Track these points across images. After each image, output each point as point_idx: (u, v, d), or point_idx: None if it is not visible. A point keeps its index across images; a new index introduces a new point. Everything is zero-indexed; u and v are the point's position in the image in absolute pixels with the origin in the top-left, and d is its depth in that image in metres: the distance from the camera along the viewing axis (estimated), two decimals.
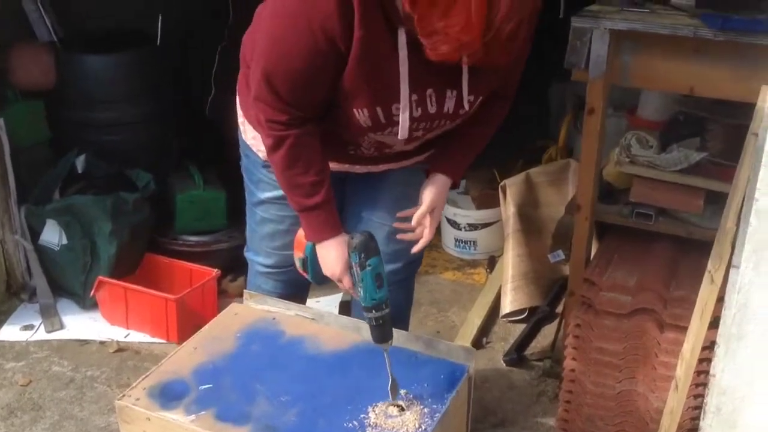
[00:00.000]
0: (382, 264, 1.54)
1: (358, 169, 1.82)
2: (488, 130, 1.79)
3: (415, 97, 1.56)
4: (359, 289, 1.55)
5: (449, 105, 1.61)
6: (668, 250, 2.24)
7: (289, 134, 1.58)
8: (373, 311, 1.54)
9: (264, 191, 1.90)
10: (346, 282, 1.65)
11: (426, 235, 1.72)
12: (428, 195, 1.71)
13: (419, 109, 1.59)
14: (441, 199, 1.74)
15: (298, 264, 1.78)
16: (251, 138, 1.85)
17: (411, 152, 1.78)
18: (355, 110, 1.57)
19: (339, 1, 1.42)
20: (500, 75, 1.62)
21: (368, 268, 1.52)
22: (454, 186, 1.79)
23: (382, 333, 1.56)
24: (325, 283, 1.80)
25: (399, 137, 1.60)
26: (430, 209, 1.71)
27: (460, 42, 1.32)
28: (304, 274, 1.79)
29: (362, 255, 1.51)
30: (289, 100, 1.55)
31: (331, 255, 1.66)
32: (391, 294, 1.96)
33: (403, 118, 1.56)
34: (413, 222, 1.72)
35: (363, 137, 1.66)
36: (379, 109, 1.57)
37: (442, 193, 1.73)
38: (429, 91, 1.57)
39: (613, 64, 2.07)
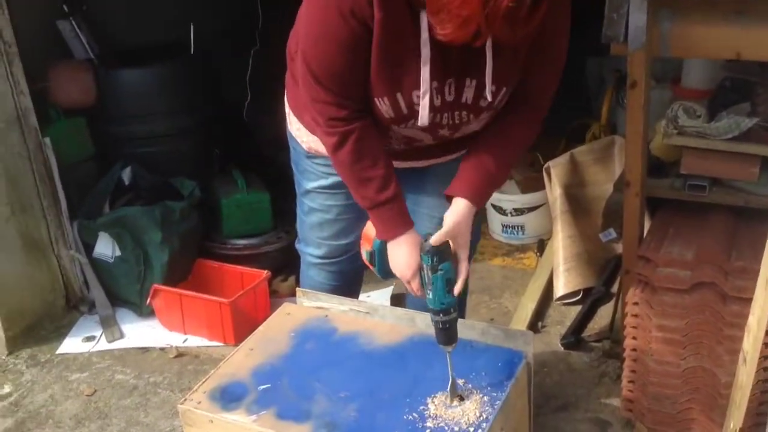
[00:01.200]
0: (453, 269, 1.52)
1: (400, 164, 1.80)
2: (513, 146, 1.67)
3: (435, 84, 1.53)
4: (428, 291, 1.53)
5: (468, 95, 1.57)
6: (725, 220, 2.18)
7: (352, 128, 1.57)
8: (441, 314, 1.52)
9: (310, 181, 1.91)
10: (415, 285, 1.59)
11: (462, 271, 1.57)
12: (448, 218, 1.58)
13: (439, 97, 1.56)
14: (464, 225, 1.59)
15: (365, 256, 1.73)
16: (296, 129, 1.87)
17: (447, 147, 1.75)
18: (376, 100, 1.56)
19: None
20: (523, 65, 1.56)
21: (440, 272, 1.50)
22: (478, 209, 1.65)
23: (447, 336, 1.54)
24: (390, 278, 1.75)
25: (419, 124, 1.57)
26: (451, 235, 1.56)
27: (461, 17, 1.29)
28: (371, 267, 1.74)
29: (435, 259, 1.50)
30: (336, 90, 1.54)
31: (403, 255, 1.60)
32: None
33: (423, 104, 1.53)
34: (460, 284, 1.58)
35: (389, 131, 1.65)
36: (399, 96, 1.55)
37: (465, 219, 1.59)
38: (449, 80, 1.55)
39: (653, 34, 2.01)
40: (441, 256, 1.50)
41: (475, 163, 1.64)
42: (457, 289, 1.54)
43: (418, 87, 1.52)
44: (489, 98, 1.55)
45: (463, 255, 1.58)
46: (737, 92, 2.34)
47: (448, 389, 1.53)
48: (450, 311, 1.52)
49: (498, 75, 1.52)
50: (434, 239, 1.51)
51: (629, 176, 2.19)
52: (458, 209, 1.60)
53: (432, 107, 1.55)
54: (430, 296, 1.53)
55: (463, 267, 1.57)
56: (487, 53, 1.48)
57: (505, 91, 1.59)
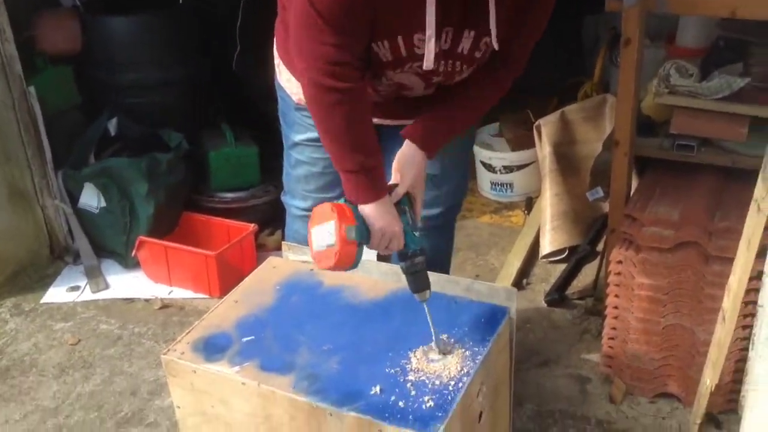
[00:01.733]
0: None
1: (389, 122, 1.78)
2: (480, 108, 1.69)
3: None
4: (416, 233, 1.56)
5: (465, 45, 1.56)
6: (711, 181, 2.18)
7: (352, 87, 1.49)
8: (418, 256, 1.54)
9: (298, 133, 1.89)
10: (400, 237, 1.55)
11: (419, 212, 1.62)
12: (407, 168, 1.58)
13: (436, 43, 1.53)
14: (419, 169, 1.60)
15: (352, 235, 1.48)
16: (285, 80, 1.84)
17: (431, 103, 1.73)
18: (375, 45, 1.52)
19: None
20: (521, 19, 1.55)
21: (408, 215, 1.55)
22: (429, 157, 1.64)
23: (421, 280, 1.55)
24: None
25: (425, 68, 1.54)
26: (415, 184, 1.59)
27: None
28: (353, 251, 1.50)
29: (407, 203, 1.55)
30: (345, 28, 1.45)
31: (390, 211, 1.55)
32: (431, 240, 1.94)
33: (429, 48, 1.50)
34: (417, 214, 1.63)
35: (381, 76, 1.62)
36: (400, 39, 1.51)
37: (419, 165, 1.60)
38: (447, 29, 1.53)
39: None
40: (409, 199, 1.56)
41: (439, 113, 1.64)
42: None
43: (419, 30, 1.49)
44: (495, 47, 1.53)
45: (420, 197, 1.63)
46: (731, 52, 2.32)
47: (433, 338, 1.54)
48: (422, 252, 1.55)
49: (501, 26, 1.51)
50: (401, 189, 1.56)
51: (618, 135, 2.18)
52: (410, 154, 1.61)
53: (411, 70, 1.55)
54: (417, 236, 1.56)
55: (419, 206, 1.62)
56: (490, 3, 1.47)
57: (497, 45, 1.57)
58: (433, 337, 1.54)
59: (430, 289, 1.56)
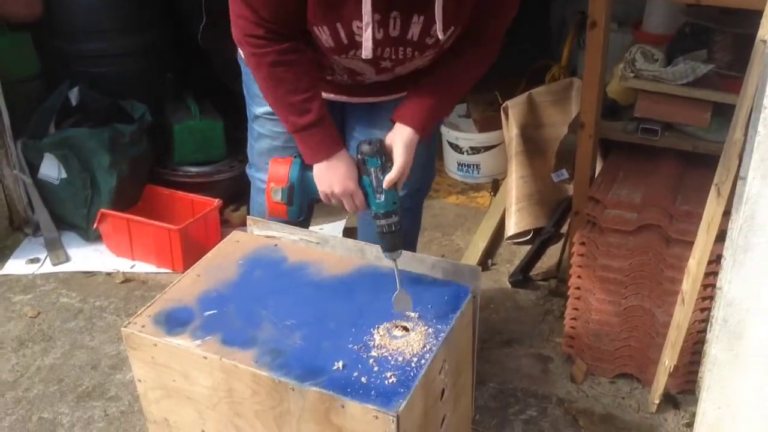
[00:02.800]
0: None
1: (351, 99, 1.78)
2: (463, 82, 1.67)
3: (377, 17, 1.49)
4: (379, 196, 1.54)
5: (414, 31, 1.54)
6: (674, 165, 2.22)
7: (269, 51, 1.53)
8: (394, 216, 1.55)
9: (259, 106, 1.88)
10: (359, 197, 1.58)
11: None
12: (400, 155, 1.56)
13: (381, 30, 1.52)
14: (411, 151, 1.59)
15: (278, 197, 1.61)
16: None
17: (395, 84, 1.72)
18: (315, 28, 1.52)
19: None
20: (475, 3, 1.53)
21: (388, 171, 1.54)
22: (422, 140, 1.64)
23: (396, 239, 1.56)
24: (300, 217, 1.71)
25: (363, 56, 1.54)
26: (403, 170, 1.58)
27: None
28: (281, 209, 1.63)
29: (383, 158, 1.53)
30: (263, 13, 1.50)
31: (340, 170, 1.57)
32: None
33: (366, 36, 1.49)
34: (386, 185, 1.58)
35: (330, 60, 1.62)
36: (339, 26, 1.51)
37: (411, 145, 1.59)
38: (394, 13, 1.50)
39: None
40: (386, 155, 1.55)
41: (424, 94, 1.62)
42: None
43: (358, 17, 1.48)
44: (440, 37, 1.51)
45: (404, 178, 1.60)
46: (696, 38, 2.35)
47: (393, 298, 1.54)
48: (398, 212, 1.56)
49: (448, 13, 1.49)
50: (387, 181, 1.54)
51: (584, 117, 2.20)
52: (404, 135, 1.59)
53: (374, 40, 1.52)
54: (382, 199, 1.54)
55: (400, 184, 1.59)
56: None
57: (453, 30, 1.55)
58: (395, 295, 1.54)
59: (401, 249, 1.57)
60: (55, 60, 3.05)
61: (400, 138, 1.59)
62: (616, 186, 2.13)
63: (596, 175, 2.28)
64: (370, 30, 1.48)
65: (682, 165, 2.22)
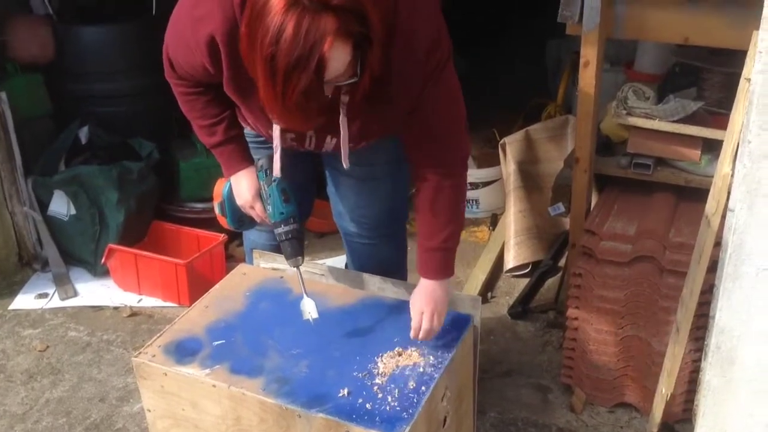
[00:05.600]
0: (285, 182, 1.67)
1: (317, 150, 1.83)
2: (454, 216, 1.67)
3: (292, 135, 1.66)
4: (268, 206, 1.67)
5: (329, 146, 1.69)
6: (667, 198, 2.28)
7: (181, 83, 1.69)
8: (283, 225, 1.65)
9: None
10: (258, 208, 1.71)
11: (425, 327, 1.61)
12: (415, 304, 1.64)
13: (296, 143, 1.69)
14: (429, 301, 1.63)
15: (217, 210, 1.83)
16: None
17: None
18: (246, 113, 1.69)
19: (208, 47, 1.50)
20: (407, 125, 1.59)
21: (274, 184, 1.65)
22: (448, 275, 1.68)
23: (293, 247, 1.65)
24: (242, 227, 1.86)
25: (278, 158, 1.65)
26: (419, 313, 1.62)
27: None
28: (223, 221, 1.83)
29: (268, 172, 1.66)
30: (179, 71, 1.66)
31: (243, 184, 1.73)
32: (379, 248, 1.99)
33: (276, 158, 1.63)
34: (412, 335, 1.63)
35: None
36: (260, 125, 1.67)
37: (429, 295, 1.64)
38: (309, 134, 1.66)
39: (607, 16, 2.09)
40: (273, 169, 1.65)
41: (428, 246, 1.66)
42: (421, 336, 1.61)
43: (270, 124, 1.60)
44: (345, 165, 1.61)
45: (429, 319, 1.61)
46: (686, 77, 2.44)
47: (301, 306, 1.63)
48: (290, 221, 1.65)
49: (362, 132, 1.60)
50: (413, 330, 1.60)
51: (579, 153, 2.27)
52: (421, 288, 1.66)
53: (291, 147, 1.70)
54: (270, 210, 1.67)
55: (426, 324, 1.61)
56: (342, 125, 1.51)
57: (368, 140, 1.68)
58: (302, 302, 1.63)
59: (303, 256, 1.67)
60: (65, 100, 3.13)
61: (418, 289, 1.67)
62: (612, 219, 2.19)
63: (592, 208, 2.34)
64: (279, 153, 1.62)
65: (676, 198, 2.28)
